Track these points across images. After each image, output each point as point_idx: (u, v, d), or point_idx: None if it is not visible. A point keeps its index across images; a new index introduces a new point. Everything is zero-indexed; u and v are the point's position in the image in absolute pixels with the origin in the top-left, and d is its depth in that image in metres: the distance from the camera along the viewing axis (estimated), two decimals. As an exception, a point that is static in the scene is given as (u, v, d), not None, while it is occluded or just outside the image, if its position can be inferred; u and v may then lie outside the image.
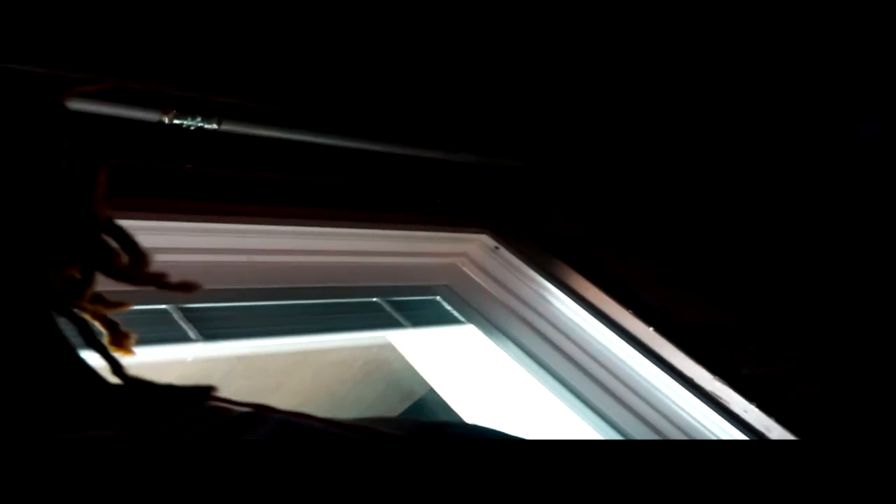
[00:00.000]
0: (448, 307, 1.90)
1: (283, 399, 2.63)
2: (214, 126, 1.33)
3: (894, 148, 2.89)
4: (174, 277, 0.66)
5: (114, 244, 0.63)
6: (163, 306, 1.44)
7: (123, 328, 0.64)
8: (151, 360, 1.38)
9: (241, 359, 2.39)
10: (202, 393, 0.57)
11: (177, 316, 1.46)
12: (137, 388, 0.58)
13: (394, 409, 3.05)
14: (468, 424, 1.45)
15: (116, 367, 0.60)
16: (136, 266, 0.64)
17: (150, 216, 1.39)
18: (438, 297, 1.90)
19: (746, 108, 2.61)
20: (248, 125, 1.43)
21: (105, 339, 0.63)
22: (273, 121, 1.51)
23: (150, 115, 1.32)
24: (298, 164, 1.61)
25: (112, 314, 0.64)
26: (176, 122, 1.29)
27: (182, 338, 1.43)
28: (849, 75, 2.79)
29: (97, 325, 0.63)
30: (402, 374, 2.66)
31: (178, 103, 1.31)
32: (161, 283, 0.65)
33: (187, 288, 0.66)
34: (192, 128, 1.30)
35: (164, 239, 1.44)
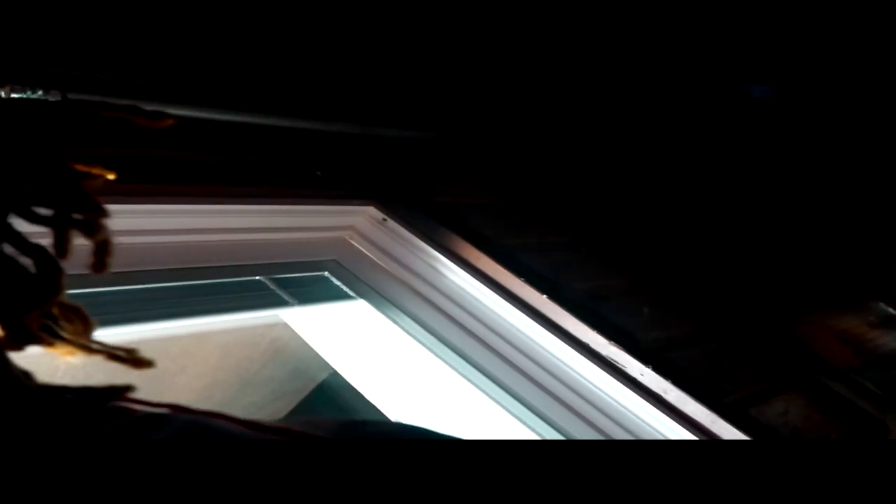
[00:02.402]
0: (337, 282, 1.83)
1: (189, 382, 2.52)
2: (59, 99, 1.23)
3: (784, 109, 2.94)
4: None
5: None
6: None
7: None
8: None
9: (140, 342, 2.28)
10: (110, 394, 0.54)
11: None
12: (46, 393, 0.55)
13: (304, 387, 2.98)
14: (388, 423, 1.42)
15: (26, 377, 0.57)
16: (85, 334, 0.61)
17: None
18: (327, 273, 1.84)
19: (635, 71, 2.61)
20: (102, 98, 1.33)
21: None
22: (133, 94, 1.41)
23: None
24: (166, 139, 1.52)
25: None
26: (15, 95, 1.18)
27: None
28: (739, 37, 2.82)
29: None
30: (305, 354, 2.60)
31: (17, 76, 1.20)
32: (112, 355, 0.62)
33: (139, 364, 0.62)
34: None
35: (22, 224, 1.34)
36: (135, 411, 0.54)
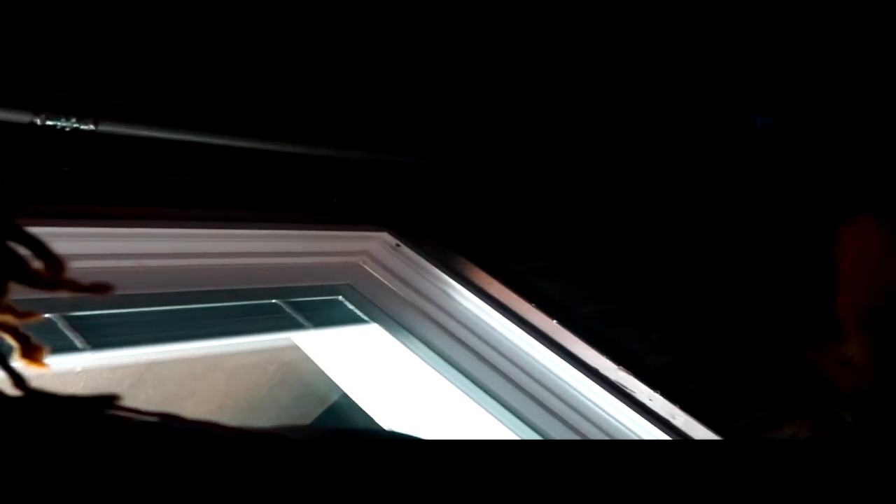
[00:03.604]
0: (351, 306, 1.86)
1: (196, 407, 2.53)
2: (91, 127, 1.26)
3: (788, 140, 2.96)
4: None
5: (24, 251, 0.62)
6: (46, 315, 1.36)
7: (35, 341, 0.62)
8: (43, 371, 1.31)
9: (150, 365, 2.30)
10: (103, 402, 0.55)
11: (62, 325, 1.37)
12: (39, 399, 0.56)
13: (312, 412, 2.98)
14: (384, 431, 1.42)
15: (18, 380, 0.58)
16: (51, 272, 0.62)
17: (28, 222, 1.31)
18: (341, 297, 1.86)
19: (640, 101, 2.64)
20: (129, 126, 1.36)
21: (16, 352, 0.61)
22: (158, 121, 1.45)
23: (21, 117, 1.24)
24: (187, 164, 1.55)
25: (23, 325, 0.62)
26: (49, 123, 1.21)
27: (68, 347, 1.35)
28: (744, 68, 2.85)
29: (6, 338, 0.61)
30: (315, 377, 2.60)
31: (51, 104, 1.23)
32: (75, 287, 0.63)
33: (100, 289, 0.64)
34: (68, 129, 1.23)
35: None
36: (129, 419, 0.55)
